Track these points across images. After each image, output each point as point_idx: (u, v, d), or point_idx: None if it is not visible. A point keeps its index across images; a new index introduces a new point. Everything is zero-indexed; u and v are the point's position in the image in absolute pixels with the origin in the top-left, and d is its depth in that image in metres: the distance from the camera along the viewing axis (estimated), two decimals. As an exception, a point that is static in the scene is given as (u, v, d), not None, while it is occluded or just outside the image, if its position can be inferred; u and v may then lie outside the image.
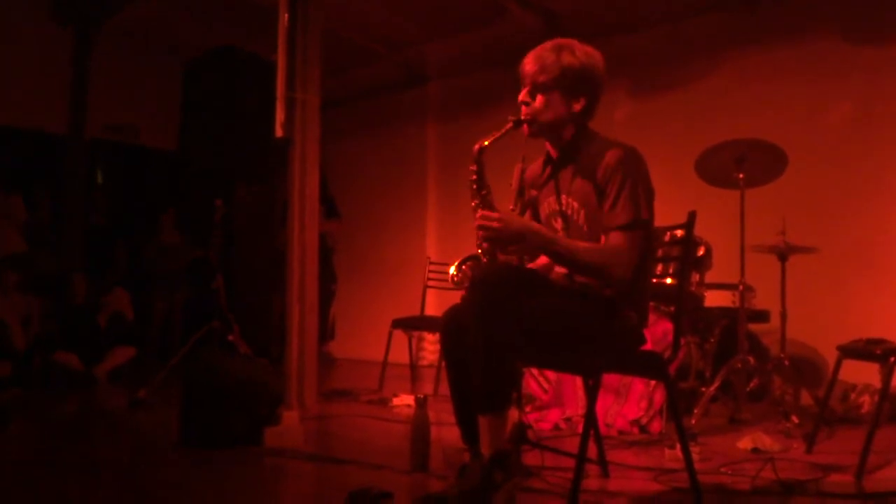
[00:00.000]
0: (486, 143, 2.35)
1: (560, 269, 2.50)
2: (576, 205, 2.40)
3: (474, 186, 2.38)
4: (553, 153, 2.52)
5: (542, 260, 2.62)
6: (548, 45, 2.41)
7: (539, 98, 2.40)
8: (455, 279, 2.49)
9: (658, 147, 5.03)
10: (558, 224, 2.47)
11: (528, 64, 2.41)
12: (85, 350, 5.86)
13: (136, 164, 7.87)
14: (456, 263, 2.54)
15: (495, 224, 2.24)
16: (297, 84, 4.21)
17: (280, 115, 4.09)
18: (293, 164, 4.29)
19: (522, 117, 2.42)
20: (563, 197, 2.44)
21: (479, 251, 2.38)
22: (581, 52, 2.39)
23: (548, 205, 2.51)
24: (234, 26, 6.79)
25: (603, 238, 2.32)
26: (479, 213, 2.30)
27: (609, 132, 2.48)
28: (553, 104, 2.40)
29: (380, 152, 8.16)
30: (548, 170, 2.54)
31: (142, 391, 4.46)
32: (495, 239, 2.27)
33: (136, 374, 5.64)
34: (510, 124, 2.39)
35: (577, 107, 2.41)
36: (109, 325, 6.21)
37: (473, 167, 2.37)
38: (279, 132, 4.11)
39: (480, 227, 2.27)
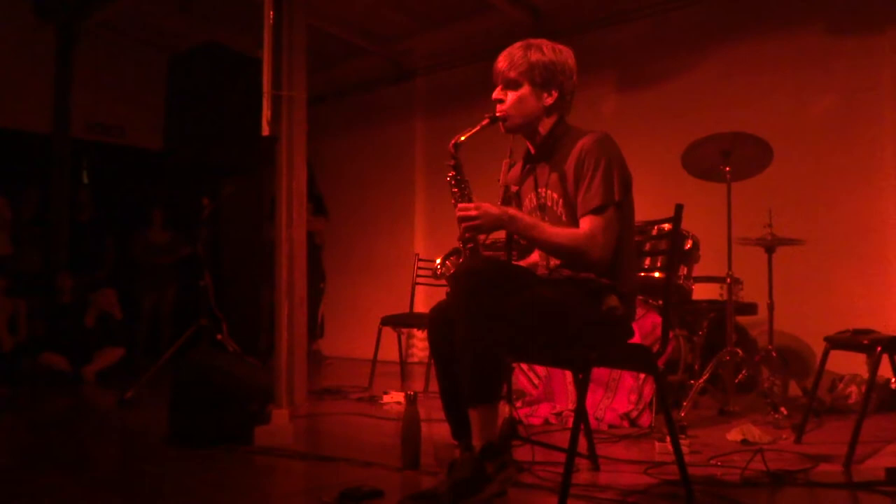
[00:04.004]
0: (462, 138, 2.41)
1: (545, 264, 2.51)
2: (555, 195, 2.44)
3: (452, 181, 2.43)
4: (532, 149, 2.56)
5: (532, 259, 2.63)
6: (517, 44, 2.48)
7: (511, 94, 2.46)
8: (439, 271, 2.51)
9: (644, 141, 5.07)
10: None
11: (499, 62, 2.47)
12: (73, 350, 5.83)
13: (122, 162, 7.83)
14: (442, 256, 2.56)
15: (473, 213, 2.29)
16: (283, 81, 4.20)
17: (266, 113, 4.07)
18: (280, 162, 4.28)
19: (497, 114, 2.47)
20: (542, 190, 2.49)
21: (462, 245, 2.40)
22: (549, 49, 2.45)
23: (529, 200, 2.55)
24: (218, 22, 6.76)
25: (582, 221, 2.34)
26: (459, 205, 2.35)
27: (596, 126, 2.49)
28: (525, 99, 2.45)
29: (367, 148, 8.14)
30: (527, 166, 2.58)
31: (129, 392, 4.44)
32: (476, 228, 2.30)
33: (124, 374, 5.62)
34: (486, 120, 2.46)
35: (549, 100, 2.46)
36: (97, 324, 6.18)
37: (451, 162, 2.43)
38: (266, 130, 4.09)
39: (461, 220, 2.31)
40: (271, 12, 4.13)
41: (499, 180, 2.64)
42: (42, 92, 7.09)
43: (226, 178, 7.09)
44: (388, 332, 5.35)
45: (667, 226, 2.85)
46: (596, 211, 2.30)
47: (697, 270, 4.50)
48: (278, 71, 4.17)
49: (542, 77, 2.43)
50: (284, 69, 4.22)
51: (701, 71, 5.82)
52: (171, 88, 4.73)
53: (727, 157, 4.08)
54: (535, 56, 2.42)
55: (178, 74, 4.70)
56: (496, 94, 2.48)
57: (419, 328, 5.81)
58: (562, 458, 2.24)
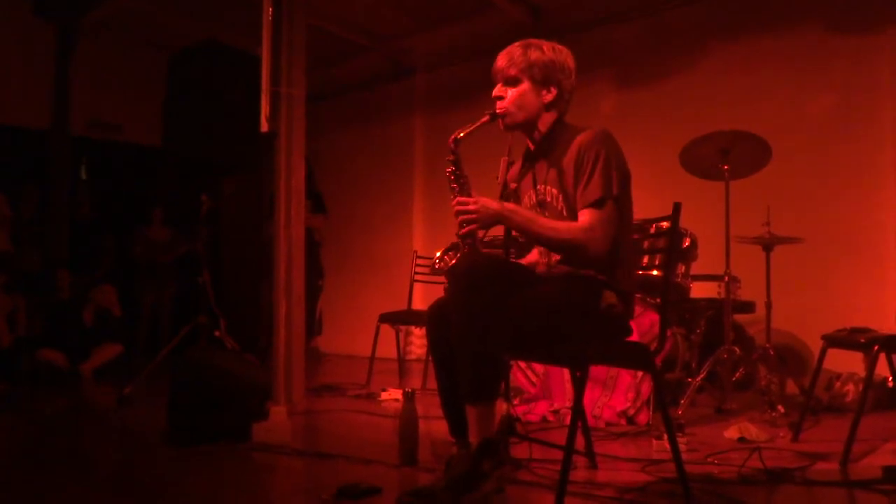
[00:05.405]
0: (461, 134, 2.41)
1: (546, 262, 2.51)
2: (554, 191, 2.45)
3: (451, 176, 2.44)
4: (531, 147, 2.58)
5: (531, 258, 2.64)
6: (516, 43, 2.50)
7: (511, 91, 2.47)
8: (437, 266, 2.52)
9: (643, 139, 5.06)
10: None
11: (499, 61, 2.49)
12: (71, 347, 5.83)
13: (122, 159, 7.83)
14: (441, 251, 2.56)
15: (472, 207, 2.29)
16: (282, 78, 4.20)
17: (265, 110, 4.07)
18: (279, 159, 4.27)
19: (497, 111, 2.48)
20: (541, 186, 2.49)
21: (459, 240, 2.40)
22: (548, 47, 2.48)
23: (528, 197, 2.56)
24: (217, 20, 6.75)
25: (581, 215, 2.34)
26: (456, 199, 2.35)
27: (596, 124, 2.49)
28: (525, 95, 2.46)
29: (366, 146, 8.14)
30: (526, 163, 2.60)
31: (128, 388, 4.45)
32: (474, 222, 2.31)
33: (123, 371, 5.62)
34: (486, 117, 2.46)
35: (549, 97, 2.47)
36: (96, 321, 6.18)
37: (450, 157, 2.44)
38: (265, 127, 4.09)
39: (458, 213, 2.31)
40: (270, 9, 4.13)
41: (497, 178, 2.65)
42: (41, 89, 7.08)
43: (225, 177, 7.11)
44: (387, 329, 5.36)
45: (665, 224, 2.85)
46: (595, 204, 2.31)
47: (695, 268, 4.50)
48: (277, 68, 4.17)
49: (542, 74, 2.45)
50: (284, 66, 4.22)
51: (700, 69, 5.82)
52: (170, 86, 4.74)
53: (726, 156, 4.09)
54: (534, 54, 2.44)
55: (177, 72, 4.71)
56: (496, 91, 2.49)
57: (417, 325, 5.81)
58: (559, 455, 2.24)
